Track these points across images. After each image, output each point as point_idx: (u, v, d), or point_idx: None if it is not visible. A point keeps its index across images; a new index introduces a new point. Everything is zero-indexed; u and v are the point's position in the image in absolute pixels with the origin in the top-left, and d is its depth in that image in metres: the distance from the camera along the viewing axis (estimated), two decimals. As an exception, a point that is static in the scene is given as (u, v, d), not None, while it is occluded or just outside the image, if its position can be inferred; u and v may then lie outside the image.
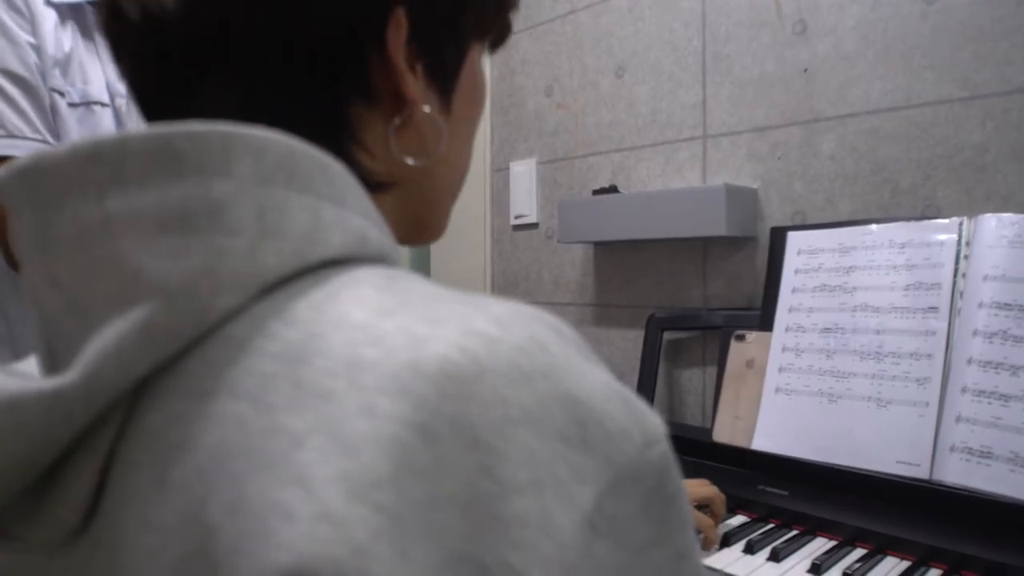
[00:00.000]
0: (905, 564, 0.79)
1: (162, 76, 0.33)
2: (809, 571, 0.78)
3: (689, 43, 1.28)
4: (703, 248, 1.26)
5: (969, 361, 0.83)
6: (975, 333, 0.83)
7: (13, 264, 0.95)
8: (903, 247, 0.92)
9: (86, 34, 1.04)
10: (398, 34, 0.34)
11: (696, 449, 1.04)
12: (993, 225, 0.86)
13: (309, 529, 0.21)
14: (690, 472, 0.94)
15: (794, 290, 1.01)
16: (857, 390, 0.91)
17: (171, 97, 0.34)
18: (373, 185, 0.36)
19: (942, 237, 0.90)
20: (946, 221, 0.90)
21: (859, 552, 0.82)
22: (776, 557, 0.81)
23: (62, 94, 0.99)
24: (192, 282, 0.25)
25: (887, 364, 0.89)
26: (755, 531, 0.88)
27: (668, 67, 1.31)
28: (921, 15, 1.01)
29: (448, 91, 0.39)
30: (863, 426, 0.89)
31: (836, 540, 0.85)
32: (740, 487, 0.95)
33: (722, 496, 0.87)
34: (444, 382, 0.23)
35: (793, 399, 0.97)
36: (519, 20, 1.58)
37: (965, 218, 0.89)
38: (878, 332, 0.91)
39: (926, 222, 0.92)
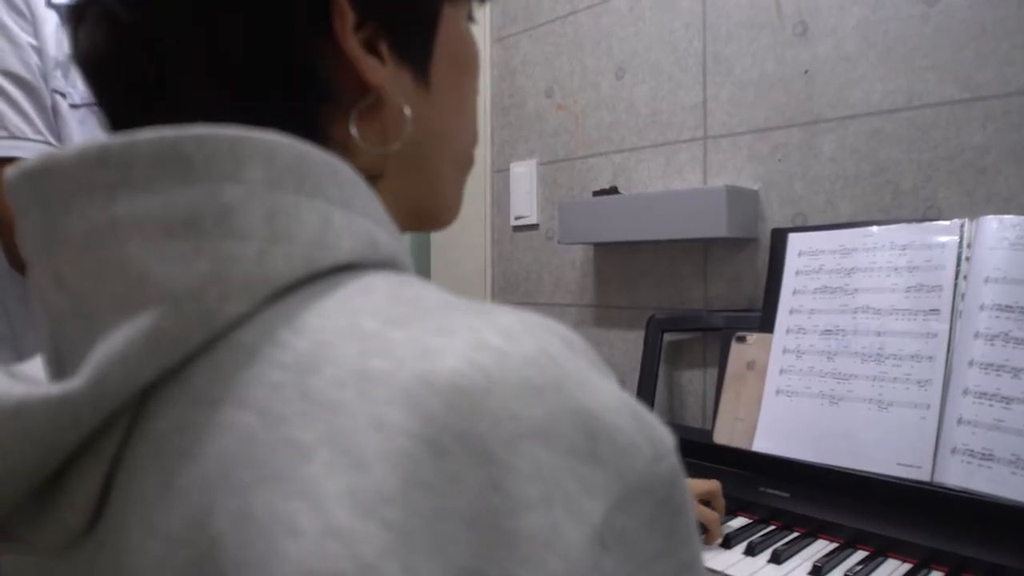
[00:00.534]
0: (906, 566, 0.79)
1: (114, 112, 0.34)
2: (810, 573, 0.78)
3: (689, 44, 1.28)
4: (704, 249, 1.26)
5: (970, 363, 0.83)
6: (976, 335, 0.83)
7: (17, 264, 0.95)
8: (904, 249, 0.92)
9: None
10: (344, 21, 0.32)
11: (697, 451, 1.04)
12: (994, 227, 0.86)
13: (316, 545, 0.21)
14: (690, 473, 0.94)
15: (795, 292, 1.01)
16: (858, 392, 0.91)
17: (131, 125, 0.33)
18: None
19: (943, 239, 0.90)
20: (947, 223, 0.90)
21: (860, 554, 0.82)
22: (777, 559, 0.81)
23: (64, 95, 0.99)
24: (200, 287, 0.25)
25: (888, 366, 0.89)
26: (756, 533, 0.88)
27: (668, 68, 1.31)
28: (922, 16, 1.01)
29: (423, 64, 0.36)
30: (864, 428, 0.89)
31: (837, 542, 0.85)
32: (741, 489, 0.95)
33: (719, 485, 0.89)
34: (454, 396, 0.22)
35: (794, 401, 0.97)
36: (519, 21, 1.59)
37: (966, 220, 0.89)
38: (879, 334, 0.91)
39: (927, 224, 0.92)
